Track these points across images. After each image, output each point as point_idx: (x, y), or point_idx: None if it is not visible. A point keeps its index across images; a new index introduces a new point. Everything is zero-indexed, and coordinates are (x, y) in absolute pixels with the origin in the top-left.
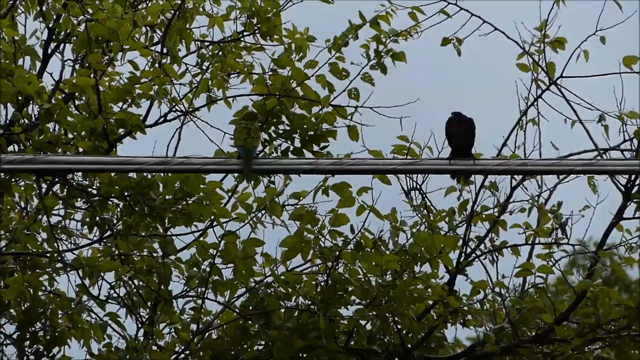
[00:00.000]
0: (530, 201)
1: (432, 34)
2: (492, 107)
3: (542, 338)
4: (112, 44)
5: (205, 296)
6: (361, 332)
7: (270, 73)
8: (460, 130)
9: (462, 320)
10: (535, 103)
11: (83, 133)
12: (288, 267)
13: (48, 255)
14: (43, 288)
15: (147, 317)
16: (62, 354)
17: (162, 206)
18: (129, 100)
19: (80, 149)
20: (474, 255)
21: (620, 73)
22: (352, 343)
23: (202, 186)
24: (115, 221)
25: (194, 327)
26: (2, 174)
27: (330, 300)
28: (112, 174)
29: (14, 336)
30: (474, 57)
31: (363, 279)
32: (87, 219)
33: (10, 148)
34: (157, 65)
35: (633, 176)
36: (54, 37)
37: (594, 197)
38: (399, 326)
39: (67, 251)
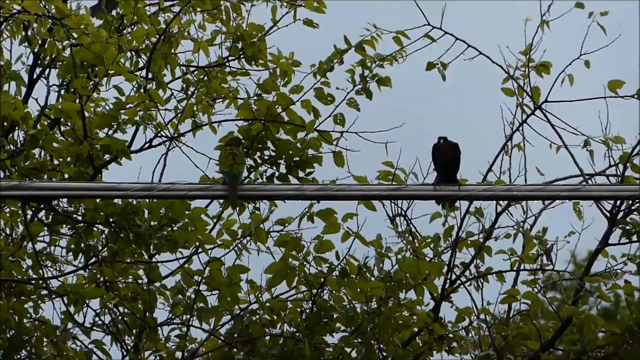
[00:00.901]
0: (515, 227)
1: (417, 58)
2: (477, 132)
3: None
4: (97, 68)
5: (190, 323)
6: (346, 359)
7: (255, 98)
8: (446, 154)
9: (447, 348)
10: (521, 128)
11: (68, 159)
12: (273, 294)
13: (33, 282)
14: (28, 315)
15: (132, 344)
16: None
17: (147, 232)
18: (115, 126)
19: (66, 175)
20: (459, 281)
21: (605, 97)
22: None
23: (187, 212)
24: (100, 248)
25: (179, 354)
26: None
27: (315, 328)
28: (98, 200)
29: None
30: (458, 82)
31: (348, 306)
32: (72, 246)
33: None
34: (142, 90)
35: (618, 202)
36: (39, 62)
37: (580, 223)
38: (385, 353)
39: (52, 278)
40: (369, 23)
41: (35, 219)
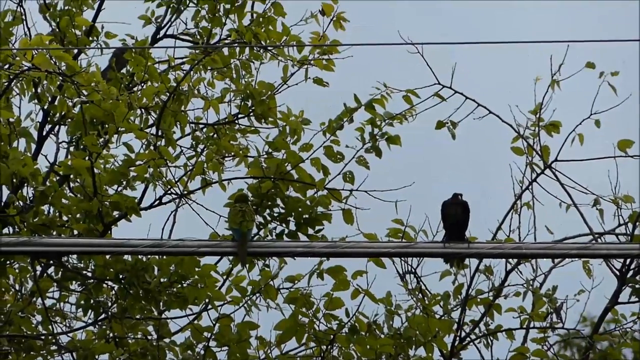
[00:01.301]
0: (525, 285)
1: (427, 116)
2: (487, 190)
3: None
4: (107, 125)
5: None
6: None
7: (265, 156)
8: (457, 211)
9: None
10: (530, 187)
11: (78, 215)
12: (282, 350)
13: (43, 337)
14: None
15: None
16: None
17: (156, 289)
18: (124, 183)
19: (75, 232)
20: (468, 339)
21: (615, 157)
22: None
23: (196, 269)
24: (109, 304)
25: None
26: None
27: None
28: (107, 257)
29: None
30: (468, 140)
31: None
32: (82, 302)
33: (5, 230)
34: (152, 147)
35: (628, 260)
36: (48, 119)
37: (589, 282)
38: None
39: (61, 334)
40: (379, 82)
41: (45, 274)
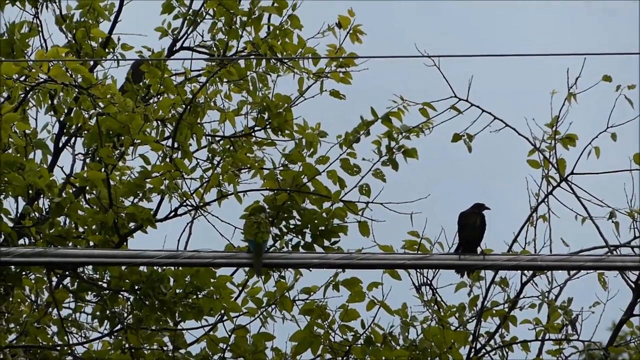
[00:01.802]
0: (540, 297)
1: (443, 130)
2: (503, 203)
3: None
4: (123, 137)
5: None
6: None
7: (281, 168)
8: (475, 222)
9: None
10: (546, 199)
11: (94, 227)
12: None
13: (58, 348)
14: None
15: None
16: None
17: (172, 300)
18: (140, 195)
19: (91, 243)
20: (484, 350)
21: (631, 170)
22: None
23: (212, 280)
24: (125, 315)
25: None
26: (12, 266)
27: None
28: (123, 268)
29: None
30: (484, 153)
31: None
32: (98, 312)
33: (21, 241)
34: (168, 159)
35: None
36: (65, 130)
37: (604, 294)
38: None
39: (77, 344)
40: (396, 95)
41: (61, 285)
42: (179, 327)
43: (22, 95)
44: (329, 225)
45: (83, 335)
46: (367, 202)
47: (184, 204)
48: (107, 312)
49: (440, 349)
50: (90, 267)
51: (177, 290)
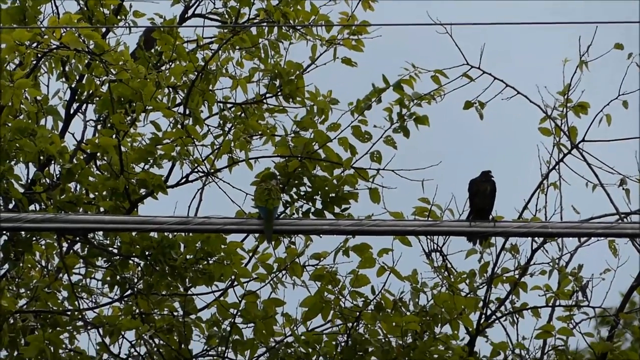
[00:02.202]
0: (550, 264)
1: (455, 97)
2: (514, 170)
3: None
4: (134, 104)
5: (225, 355)
6: None
7: (292, 135)
8: (486, 189)
9: None
10: (557, 167)
11: (104, 193)
12: (308, 327)
13: (69, 313)
14: (64, 346)
15: None
16: None
17: (182, 266)
18: (151, 161)
19: (102, 209)
20: (494, 316)
21: None
22: None
23: (222, 246)
24: (136, 280)
25: None
26: (23, 232)
27: None
28: (133, 234)
29: None
30: (496, 121)
31: (383, 340)
32: (108, 278)
33: (32, 207)
34: (179, 126)
35: None
36: (76, 97)
37: (615, 261)
38: None
39: (87, 310)
40: (407, 62)
41: (71, 251)
42: (189, 292)
43: (34, 62)
44: (339, 192)
45: (93, 300)
46: (378, 169)
47: (195, 170)
48: (118, 277)
49: (451, 315)
50: (100, 232)
51: (188, 256)
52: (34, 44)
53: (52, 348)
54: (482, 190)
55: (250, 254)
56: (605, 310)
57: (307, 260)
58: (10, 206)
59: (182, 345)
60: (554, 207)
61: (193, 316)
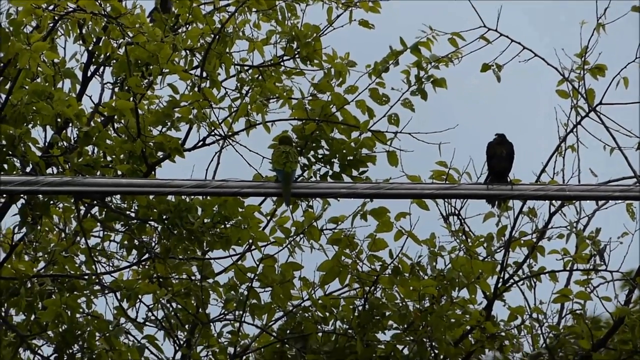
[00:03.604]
0: (568, 227)
1: (472, 60)
2: (531, 133)
3: None
4: (151, 67)
5: (242, 319)
6: (398, 356)
7: (309, 98)
8: (502, 152)
9: (499, 346)
10: (575, 129)
11: (122, 156)
12: (326, 291)
13: (86, 277)
14: (81, 310)
15: (184, 339)
16: None
17: (200, 229)
18: (168, 124)
19: (119, 172)
20: (511, 280)
21: None
22: None
23: (240, 210)
24: (153, 244)
25: (231, 350)
26: (40, 195)
27: (367, 325)
28: (151, 197)
29: (52, 358)
30: (513, 83)
31: (400, 304)
32: (126, 242)
33: (49, 170)
34: (196, 89)
35: None
36: (93, 60)
37: (633, 224)
38: (436, 351)
39: (105, 274)
40: (425, 24)
41: (88, 215)
42: (206, 256)
43: (51, 25)
44: (357, 154)
45: (111, 264)
46: (396, 132)
47: (212, 133)
48: (135, 241)
49: (468, 279)
50: (118, 196)
51: (205, 220)
52: (51, 7)
53: (69, 312)
54: (499, 153)
55: (268, 218)
56: (622, 274)
57: (325, 224)
58: (28, 169)
59: (200, 310)
60: (571, 170)
61: (210, 280)
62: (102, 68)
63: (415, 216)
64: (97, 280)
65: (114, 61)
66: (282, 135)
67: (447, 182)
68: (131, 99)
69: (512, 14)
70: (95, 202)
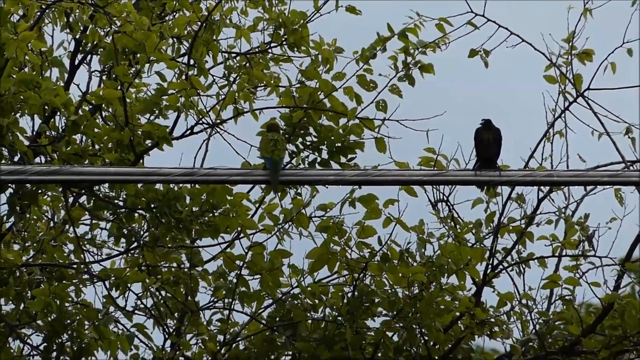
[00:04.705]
0: (557, 213)
1: (459, 46)
2: (519, 119)
3: (568, 350)
4: (138, 55)
5: (232, 307)
6: (388, 343)
7: (297, 85)
8: (489, 138)
9: (488, 332)
10: (563, 115)
11: (110, 145)
12: (315, 278)
13: (75, 266)
14: (70, 299)
15: (174, 328)
16: None
17: (188, 218)
18: (156, 112)
19: (107, 161)
20: (500, 267)
21: None
22: (378, 354)
23: (228, 198)
24: (141, 233)
25: (221, 338)
26: (28, 185)
27: (356, 312)
28: (139, 186)
29: (41, 347)
30: (500, 69)
31: (390, 291)
32: (114, 230)
33: (37, 159)
34: (184, 77)
35: None
36: (80, 48)
37: (621, 209)
38: (426, 337)
39: (94, 262)
40: (412, 10)
41: (77, 203)
42: (195, 244)
43: (38, 14)
44: (345, 141)
45: (99, 253)
46: (383, 118)
47: (200, 121)
48: (124, 230)
49: (457, 266)
50: (106, 185)
51: (194, 208)
52: None
53: (58, 301)
54: (485, 139)
55: (257, 205)
56: (611, 259)
57: (314, 211)
58: (16, 159)
59: (189, 298)
60: (560, 155)
61: (199, 268)
62: (89, 56)
63: (403, 203)
64: (86, 269)
65: (102, 49)
66: (270, 122)
67: (435, 168)
68: (119, 87)
69: None
70: (83, 191)
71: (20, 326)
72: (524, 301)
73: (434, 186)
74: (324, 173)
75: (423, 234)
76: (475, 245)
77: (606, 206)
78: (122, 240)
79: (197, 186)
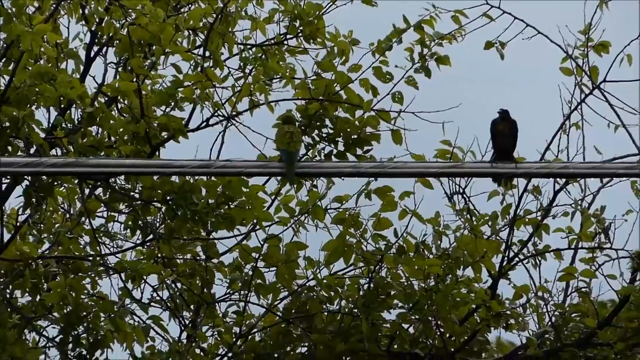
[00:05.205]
0: (573, 205)
1: (475, 38)
2: (535, 111)
3: (584, 342)
4: (154, 47)
5: (247, 299)
6: (404, 335)
7: (313, 77)
8: (505, 129)
9: (504, 324)
10: (579, 107)
11: (125, 137)
12: (331, 270)
13: (91, 258)
14: (85, 291)
15: (190, 320)
16: (105, 357)
17: (204, 210)
18: (172, 104)
19: (123, 153)
20: (516, 259)
21: None
22: (394, 347)
23: (244, 190)
24: (157, 225)
25: (236, 330)
26: (44, 177)
27: (372, 304)
28: (155, 178)
29: (57, 339)
30: (517, 61)
31: (405, 283)
32: (130, 223)
33: (53, 152)
34: (199, 69)
35: None
36: (96, 40)
37: (637, 202)
38: (442, 330)
39: (109, 254)
40: (428, 2)
41: (93, 196)
42: (211, 237)
43: (54, 6)
44: (361, 133)
45: (115, 245)
46: (399, 110)
47: (216, 113)
48: (139, 222)
49: (473, 258)
50: (122, 177)
51: (209, 201)
52: None
53: (74, 294)
54: (501, 130)
55: (272, 197)
56: (627, 252)
57: (329, 203)
58: (32, 151)
59: (205, 290)
60: (576, 147)
61: (215, 260)
62: (105, 48)
63: (419, 195)
64: (101, 262)
65: (117, 41)
66: (285, 114)
67: (451, 160)
68: (134, 79)
69: None
70: (99, 183)
71: (36, 318)
72: (539, 293)
73: (450, 178)
74: (340, 165)
75: (439, 226)
76: (491, 238)
77: (622, 198)
78: (138, 232)
79: (213, 178)
